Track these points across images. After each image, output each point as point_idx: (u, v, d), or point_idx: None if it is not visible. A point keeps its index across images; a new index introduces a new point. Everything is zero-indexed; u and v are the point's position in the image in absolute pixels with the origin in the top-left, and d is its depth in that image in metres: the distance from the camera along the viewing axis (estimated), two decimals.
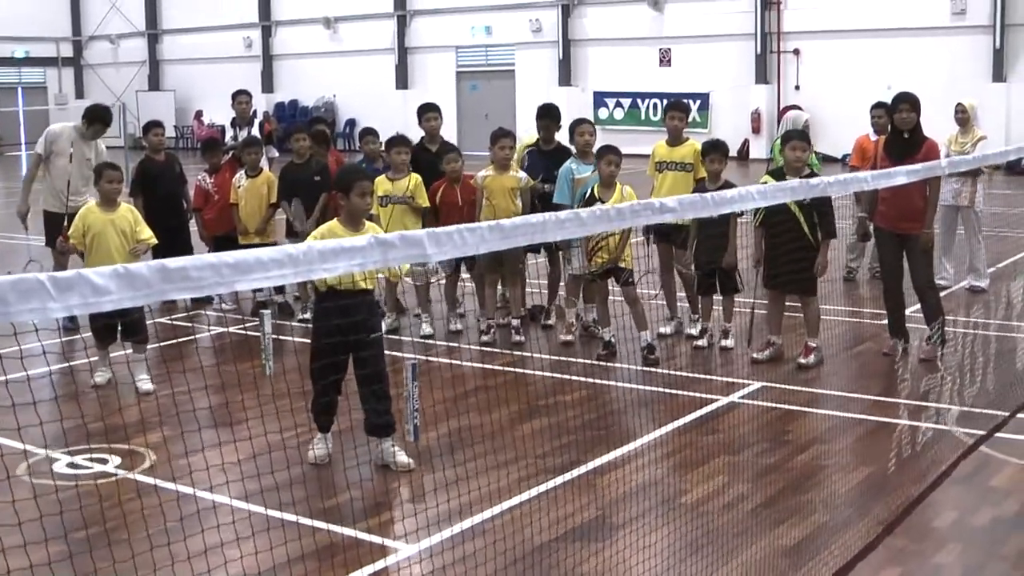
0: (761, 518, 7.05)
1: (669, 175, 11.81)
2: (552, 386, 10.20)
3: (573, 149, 12.11)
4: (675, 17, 39.53)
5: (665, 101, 38.62)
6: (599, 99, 41.28)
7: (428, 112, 13.06)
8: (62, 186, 12.53)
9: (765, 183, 10.32)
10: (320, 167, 13.09)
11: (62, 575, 5.06)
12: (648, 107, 39.95)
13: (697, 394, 9.87)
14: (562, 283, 12.25)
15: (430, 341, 11.75)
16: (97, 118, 12.99)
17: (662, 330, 11.91)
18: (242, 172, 13.30)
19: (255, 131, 15.87)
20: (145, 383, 9.99)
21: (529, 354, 11.31)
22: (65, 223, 11.65)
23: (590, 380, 10.36)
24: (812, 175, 10.42)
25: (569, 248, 11.45)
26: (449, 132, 38.63)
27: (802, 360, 10.68)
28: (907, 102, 10.64)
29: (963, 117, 13.97)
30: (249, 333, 11.95)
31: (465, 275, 12.52)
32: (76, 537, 5.86)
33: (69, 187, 12.48)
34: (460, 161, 12.09)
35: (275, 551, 5.78)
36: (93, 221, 10.32)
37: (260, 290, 11.97)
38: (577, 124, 12.01)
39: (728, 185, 10.74)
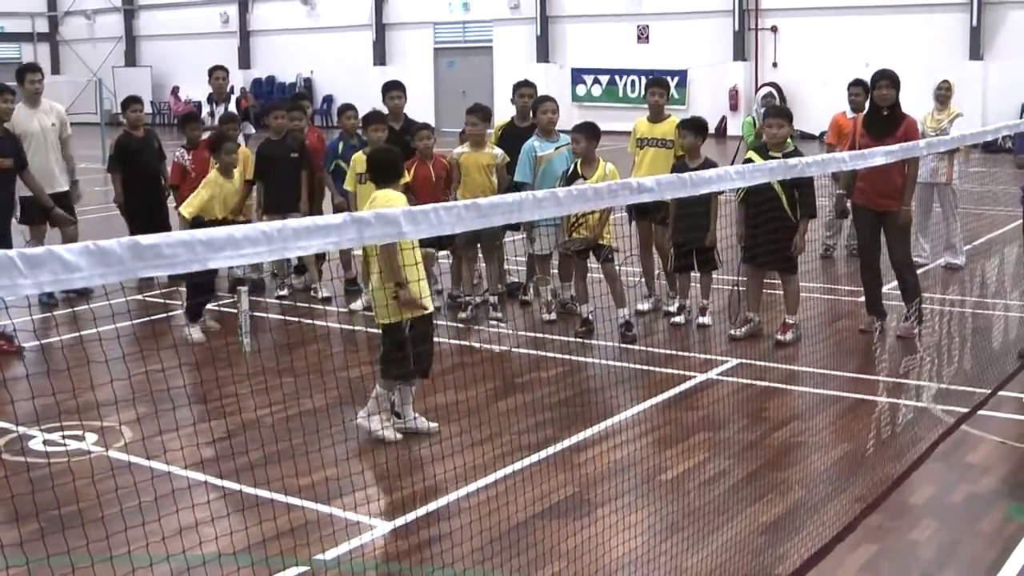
0: (740, 496, 7.05)
1: (650, 151, 11.78)
2: (530, 363, 10.18)
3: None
4: None
5: (643, 78, 38.64)
6: (577, 76, 41.20)
7: (392, 91, 13.05)
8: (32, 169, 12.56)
9: (749, 159, 10.34)
10: (298, 144, 13.03)
11: (35, 555, 5.01)
12: (626, 84, 39.89)
13: (675, 371, 9.87)
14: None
15: None
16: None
17: (640, 307, 11.90)
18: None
19: (232, 107, 15.77)
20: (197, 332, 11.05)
21: (507, 331, 11.29)
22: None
23: (568, 357, 10.35)
24: (795, 152, 10.39)
25: (533, 228, 11.41)
26: (426, 109, 38.75)
27: (780, 337, 10.69)
28: (887, 79, 10.63)
29: (945, 94, 13.97)
30: (225, 310, 11.90)
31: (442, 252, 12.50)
32: (49, 516, 5.81)
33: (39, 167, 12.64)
34: (432, 138, 12.04)
35: (251, 530, 5.76)
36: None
37: (236, 267, 11.91)
38: (540, 102, 11.99)
39: (709, 163, 10.72)
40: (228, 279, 13.23)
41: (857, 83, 14.29)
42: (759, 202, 10.45)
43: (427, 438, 7.88)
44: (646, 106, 12.19)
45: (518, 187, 11.23)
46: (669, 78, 37.11)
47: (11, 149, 11.30)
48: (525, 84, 12.73)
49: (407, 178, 11.64)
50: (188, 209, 11.10)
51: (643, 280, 12.11)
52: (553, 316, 11.65)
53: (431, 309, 8.26)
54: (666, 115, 11.97)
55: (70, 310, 11.68)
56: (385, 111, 12.81)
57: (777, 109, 11.82)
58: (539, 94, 12.58)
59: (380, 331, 8.29)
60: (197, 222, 10.80)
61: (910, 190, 10.72)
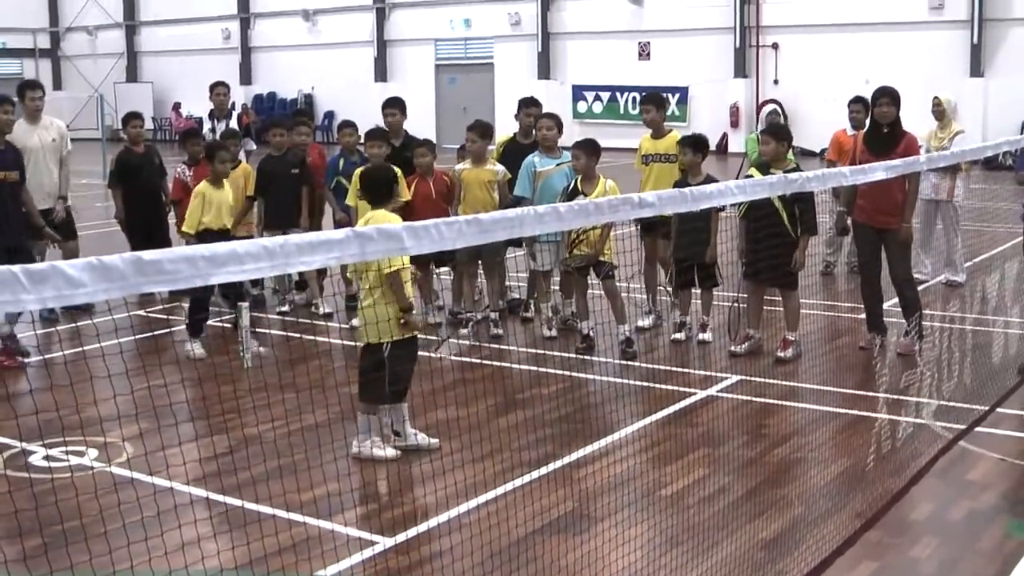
0: (740, 511, 7.06)
1: (655, 167, 11.82)
2: (530, 379, 10.19)
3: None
4: (654, 10, 39.56)
5: (643, 95, 38.64)
6: (578, 92, 41.28)
7: (388, 108, 13.06)
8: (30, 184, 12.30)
9: (751, 176, 10.36)
10: (298, 160, 13.05)
11: (38, 570, 5.03)
12: (627, 101, 39.97)
13: (675, 387, 9.89)
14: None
15: None
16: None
17: (641, 323, 11.91)
18: None
19: (233, 123, 15.79)
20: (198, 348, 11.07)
21: (508, 347, 11.31)
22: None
23: (568, 373, 10.36)
24: (796, 169, 10.42)
25: (533, 244, 11.45)
26: (427, 125, 38.83)
27: (780, 354, 10.69)
28: (887, 96, 10.66)
29: (939, 111, 14.00)
30: (227, 326, 11.92)
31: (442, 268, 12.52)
32: (52, 531, 5.83)
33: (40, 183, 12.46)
34: (430, 155, 12.05)
35: (253, 545, 5.77)
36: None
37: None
38: (540, 118, 12.05)
39: (710, 180, 10.74)
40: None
41: (858, 100, 14.33)
42: (759, 217, 10.48)
43: (427, 454, 7.88)
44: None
45: (517, 201, 11.29)
46: (670, 95, 37.57)
47: (15, 162, 11.25)
48: (532, 103, 12.74)
49: (407, 196, 11.68)
50: (190, 224, 11.09)
51: (646, 296, 12.14)
52: (554, 332, 11.66)
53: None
54: (667, 130, 12.02)
55: (72, 325, 11.69)
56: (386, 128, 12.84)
57: (769, 126, 11.89)
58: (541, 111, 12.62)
59: (363, 349, 8.27)
60: (204, 236, 10.79)
61: (911, 207, 10.74)
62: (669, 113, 12.46)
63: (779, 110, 15.42)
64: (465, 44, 44.76)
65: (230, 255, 3.24)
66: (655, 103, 12.27)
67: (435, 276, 12.51)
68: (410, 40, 45.55)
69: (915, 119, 12.83)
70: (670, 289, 11.89)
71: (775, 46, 37.83)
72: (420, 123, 13.06)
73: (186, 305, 11.62)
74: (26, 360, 10.82)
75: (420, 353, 8.46)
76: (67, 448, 7.95)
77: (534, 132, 12.13)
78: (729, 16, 38.07)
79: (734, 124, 37.91)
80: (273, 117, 36.13)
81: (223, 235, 10.81)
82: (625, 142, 36.18)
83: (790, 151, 11.11)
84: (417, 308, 8.10)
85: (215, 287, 11.00)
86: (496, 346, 11.34)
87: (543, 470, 7.71)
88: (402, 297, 7.91)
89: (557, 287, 12.05)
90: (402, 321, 7.91)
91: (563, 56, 42.17)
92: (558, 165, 11.57)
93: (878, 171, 7.42)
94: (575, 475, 7.69)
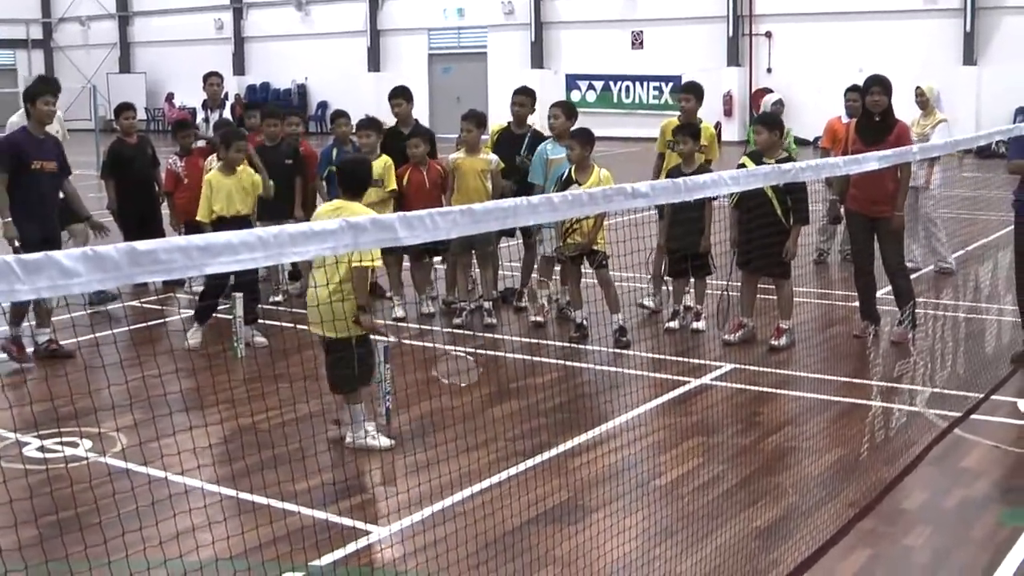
0: (734, 500, 7.07)
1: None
2: (524, 368, 10.19)
3: (547, 133, 12.18)
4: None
5: (637, 83, 38.74)
6: (571, 82, 41.23)
7: (394, 98, 13.06)
8: None
9: (743, 165, 10.37)
10: (292, 150, 13.03)
11: (33, 559, 5.03)
12: (620, 90, 39.91)
13: (669, 376, 9.90)
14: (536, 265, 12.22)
15: (402, 324, 11.73)
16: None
17: (646, 302, 11.99)
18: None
19: (226, 113, 15.76)
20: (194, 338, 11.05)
21: (501, 336, 11.31)
22: None
23: (562, 362, 10.36)
24: (788, 159, 10.44)
25: (540, 231, 11.48)
26: (421, 114, 38.69)
27: (774, 342, 10.71)
28: (879, 85, 10.66)
29: (922, 100, 14.03)
30: (220, 316, 11.90)
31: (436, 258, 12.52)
32: (47, 521, 5.83)
33: None
34: (423, 145, 12.06)
35: (247, 535, 5.77)
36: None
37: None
38: (550, 107, 12.08)
39: (704, 169, 10.74)
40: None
41: (855, 88, 14.31)
42: (752, 207, 10.50)
43: (421, 443, 7.88)
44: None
45: (531, 188, 11.49)
46: (663, 83, 37.58)
47: (55, 153, 11.03)
48: (522, 92, 12.73)
49: (393, 185, 11.72)
50: (202, 214, 11.06)
51: (651, 281, 12.19)
52: (541, 319, 11.66)
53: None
54: (698, 120, 12.00)
55: (67, 316, 11.67)
56: (381, 117, 12.82)
57: (760, 116, 11.91)
58: (534, 100, 12.60)
59: (328, 343, 8.22)
60: (218, 224, 10.73)
61: (902, 195, 10.74)
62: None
63: (783, 100, 15.42)
64: (459, 33, 44.73)
65: (225, 245, 3.24)
66: (695, 93, 12.26)
67: (432, 267, 12.51)
68: (403, 29, 45.50)
69: (908, 108, 12.84)
70: (667, 279, 11.91)
71: (768, 35, 37.83)
72: (414, 112, 13.01)
73: (180, 295, 11.62)
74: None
75: (408, 343, 8.45)
76: (61, 439, 7.95)
77: (527, 121, 12.19)
78: (722, 5, 38.05)
79: (727, 113, 37.89)
80: (268, 106, 36.11)
81: (237, 222, 10.70)
82: (619, 131, 36.35)
83: (791, 139, 11.11)
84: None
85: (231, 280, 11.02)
86: (490, 335, 11.34)
87: (537, 460, 7.72)
88: (362, 295, 7.88)
89: (556, 275, 12.06)
90: (355, 320, 7.88)
91: (557, 45, 42.13)
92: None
93: (871, 161, 7.42)
94: (569, 465, 7.70)
